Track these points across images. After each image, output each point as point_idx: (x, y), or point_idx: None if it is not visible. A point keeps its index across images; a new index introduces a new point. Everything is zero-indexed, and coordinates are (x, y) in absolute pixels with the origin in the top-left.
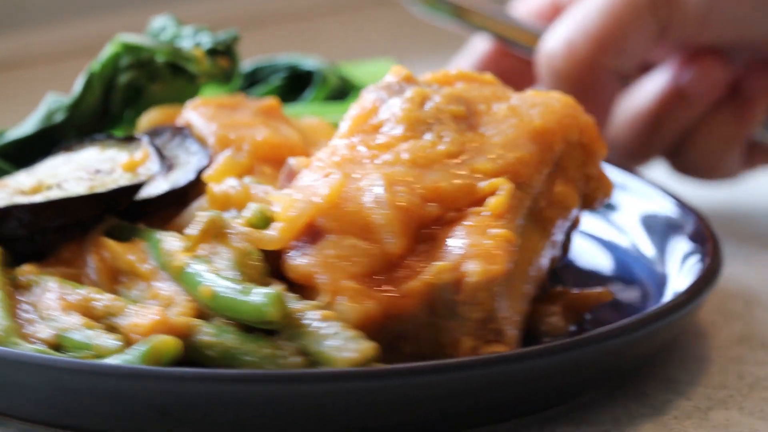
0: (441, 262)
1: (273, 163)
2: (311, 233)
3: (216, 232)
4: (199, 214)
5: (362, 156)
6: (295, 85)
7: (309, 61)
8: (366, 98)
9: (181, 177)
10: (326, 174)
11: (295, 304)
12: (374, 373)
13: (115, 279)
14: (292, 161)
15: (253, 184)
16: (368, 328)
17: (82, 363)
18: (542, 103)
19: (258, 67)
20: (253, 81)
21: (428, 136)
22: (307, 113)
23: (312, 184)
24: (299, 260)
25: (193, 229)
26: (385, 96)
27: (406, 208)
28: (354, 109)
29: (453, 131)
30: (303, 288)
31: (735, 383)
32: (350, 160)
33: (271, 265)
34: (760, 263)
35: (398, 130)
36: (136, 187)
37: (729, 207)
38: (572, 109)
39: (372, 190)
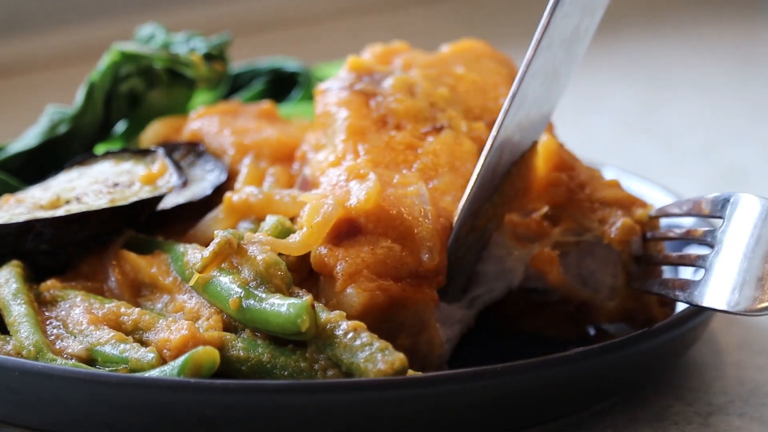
0: None
1: (285, 164)
2: (349, 229)
3: (229, 253)
4: (216, 233)
5: (389, 159)
6: (279, 88)
7: (291, 63)
8: (338, 95)
9: (197, 192)
10: (356, 175)
11: (324, 314)
12: (412, 382)
13: (137, 292)
14: (307, 171)
15: (276, 190)
16: (372, 316)
17: (127, 376)
18: (470, 50)
19: (239, 72)
20: (235, 86)
21: (447, 132)
22: (296, 114)
23: (342, 185)
24: (326, 250)
25: (206, 251)
26: (364, 88)
27: (448, 227)
28: (337, 107)
29: (458, 117)
30: (321, 279)
31: (735, 389)
32: (376, 162)
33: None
34: None
35: (408, 126)
36: (157, 200)
37: None
38: (490, 47)
39: (419, 202)
